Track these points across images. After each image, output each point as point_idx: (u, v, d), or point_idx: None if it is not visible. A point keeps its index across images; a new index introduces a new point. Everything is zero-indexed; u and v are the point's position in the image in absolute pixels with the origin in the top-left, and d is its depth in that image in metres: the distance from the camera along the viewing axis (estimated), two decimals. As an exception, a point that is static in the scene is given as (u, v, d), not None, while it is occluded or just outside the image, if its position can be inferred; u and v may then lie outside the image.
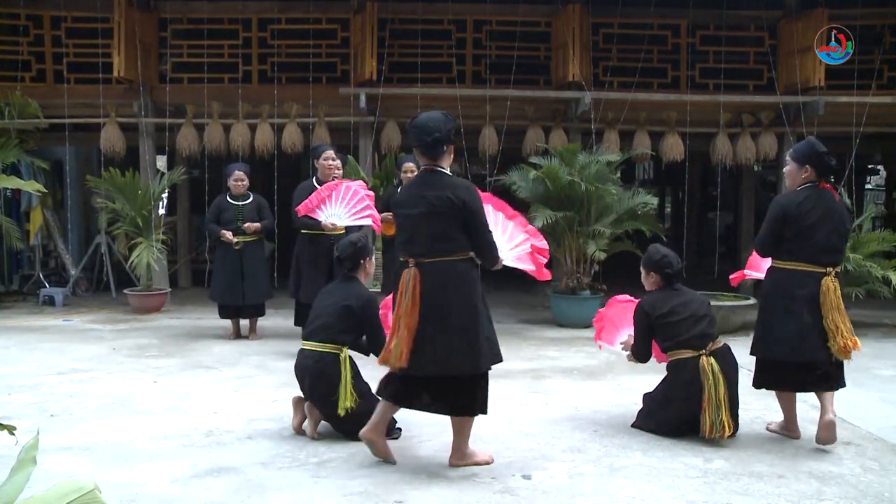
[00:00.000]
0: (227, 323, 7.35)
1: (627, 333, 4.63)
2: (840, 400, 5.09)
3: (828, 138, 9.36)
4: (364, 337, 4.24)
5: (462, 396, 3.63)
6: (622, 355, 5.84)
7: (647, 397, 4.48)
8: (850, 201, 8.33)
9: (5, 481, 1.41)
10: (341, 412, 3.99)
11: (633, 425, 4.43)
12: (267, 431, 4.30)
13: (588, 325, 8.00)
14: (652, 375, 5.74)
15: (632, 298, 4.73)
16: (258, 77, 9.68)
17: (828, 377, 4.12)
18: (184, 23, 9.62)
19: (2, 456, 2.39)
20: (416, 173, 3.87)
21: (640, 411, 4.47)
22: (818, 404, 4.95)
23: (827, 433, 3.99)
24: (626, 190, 8.50)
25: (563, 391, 5.33)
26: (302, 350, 4.24)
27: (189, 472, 3.68)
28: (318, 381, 4.08)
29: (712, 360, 4.11)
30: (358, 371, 4.20)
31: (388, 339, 3.66)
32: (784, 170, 4.40)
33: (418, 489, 3.47)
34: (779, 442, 4.20)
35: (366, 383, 4.22)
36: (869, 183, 16.81)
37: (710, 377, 4.06)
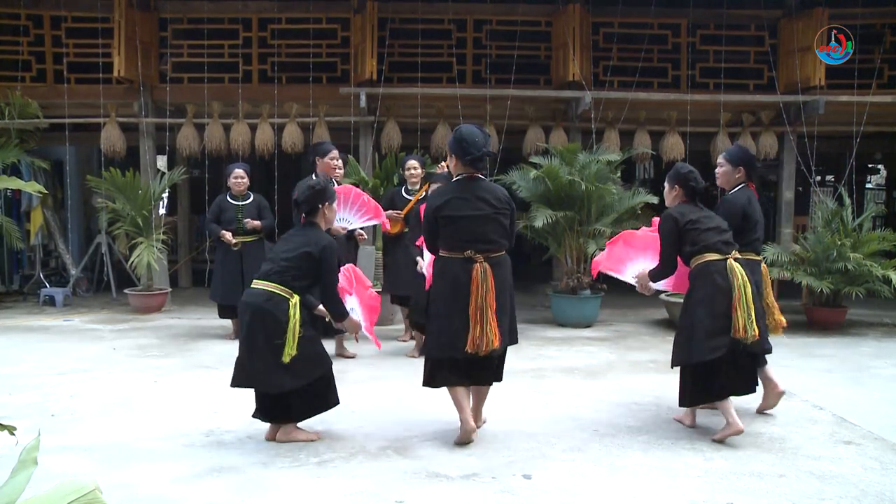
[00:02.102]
0: (228, 322, 7.35)
1: (641, 264, 4.65)
2: (840, 399, 5.12)
3: (828, 137, 9.47)
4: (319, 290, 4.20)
5: (499, 367, 4.25)
6: (623, 354, 5.84)
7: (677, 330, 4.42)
8: (851, 200, 8.35)
9: (6, 482, 1.41)
10: (286, 359, 3.92)
11: (672, 366, 4.37)
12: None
13: (588, 325, 8.04)
14: (653, 375, 5.75)
15: (646, 230, 4.82)
16: (258, 77, 9.68)
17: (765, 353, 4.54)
18: (184, 22, 9.63)
19: (2, 456, 2.40)
20: (454, 179, 4.21)
21: (673, 349, 4.38)
22: (818, 403, 4.96)
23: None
24: (627, 189, 8.50)
25: (564, 391, 5.33)
26: (251, 290, 4.09)
27: (189, 471, 3.68)
28: (263, 321, 3.96)
29: (738, 263, 4.17)
30: (307, 320, 4.09)
31: (473, 329, 3.92)
32: (718, 171, 4.82)
33: (418, 489, 3.47)
34: (779, 441, 4.20)
35: (315, 332, 4.14)
36: (869, 182, 16.81)
37: (739, 278, 4.10)
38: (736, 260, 4.19)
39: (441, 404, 4.87)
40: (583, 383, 5.58)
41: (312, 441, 4.11)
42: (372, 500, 3.34)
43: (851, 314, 8.26)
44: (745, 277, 4.11)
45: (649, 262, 4.59)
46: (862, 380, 5.79)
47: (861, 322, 8.33)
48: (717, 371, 4.13)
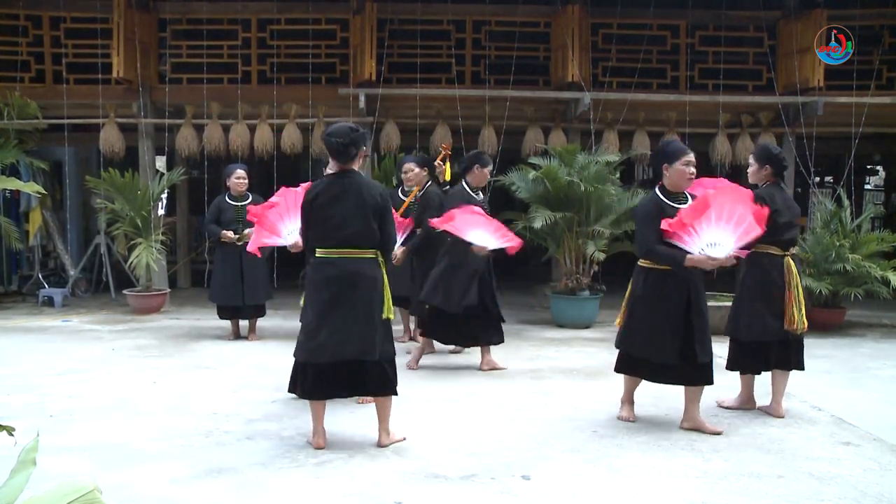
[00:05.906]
0: (227, 323, 7.34)
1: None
2: (839, 400, 5.12)
3: (827, 138, 9.47)
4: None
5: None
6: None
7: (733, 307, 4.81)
8: (849, 201, 8.35)
9: (5, 482, 1.41)
10: (391, 315, 4.02)
11: (724, 333, 4.82)
12: (266, 432, 4.30)
13: (587, 326, 8.05)
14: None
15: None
16: (257, 77, 9.68)
17: None
18: (183, 23, 9.62)
19: (2, 457, 2.39)
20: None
21: (729, 320, 4.79)
22: (817, 404, 4.96)
23: None
24: (626, 190, 8.50)
25: (563, 391, 5.33)
26: (341, 258, 3.93)
27: (189, 472, 3.68)
28: (366, 288, 3.92)
29: (793, 262, 4.57)
30: None
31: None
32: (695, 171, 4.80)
33: (417, 489, 3.47)
34: (778, 442, 4.21)
35: None
36: (868, 183, 16.81)
37: (795, 276, 4.54)
38: (791, 257, 4.56)
39: (440, 404, 4.87)
40: (582, 384, 5.58)
41: (401, 441, 4.10)
42: (371, 500, 3.34)
43: (850, 315, 8.27)
44: (798, 276, 4.56)
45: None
46: (861, 381, 5.80)
47: (860, 323, 8.33)
48: (757, 350, 4.59)
